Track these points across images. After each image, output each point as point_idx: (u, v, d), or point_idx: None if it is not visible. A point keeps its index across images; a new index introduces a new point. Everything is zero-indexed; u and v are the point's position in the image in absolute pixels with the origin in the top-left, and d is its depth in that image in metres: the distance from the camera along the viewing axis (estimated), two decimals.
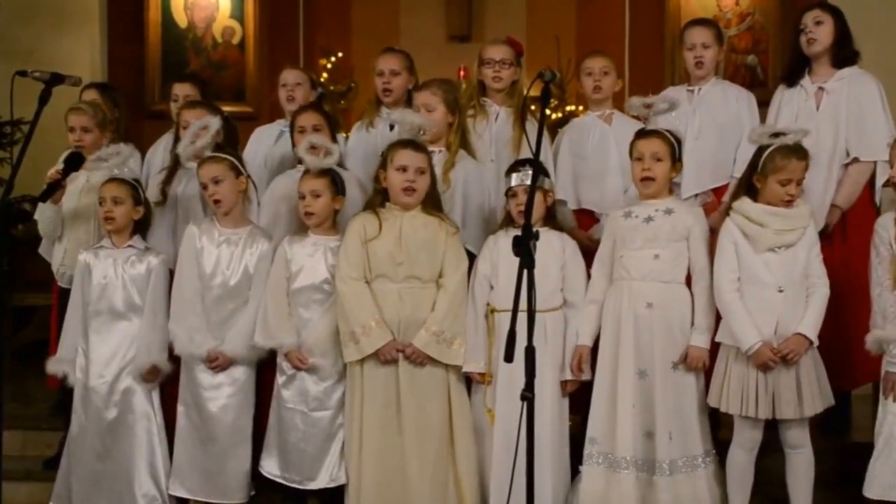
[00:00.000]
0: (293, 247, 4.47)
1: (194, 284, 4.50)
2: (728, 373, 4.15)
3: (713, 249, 4.30)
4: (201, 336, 4.45)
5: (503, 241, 4.31)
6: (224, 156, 4.56)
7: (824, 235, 4.53)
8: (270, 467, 4.47)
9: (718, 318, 4.25)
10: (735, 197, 4.24)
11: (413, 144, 4.41)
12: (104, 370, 4.52)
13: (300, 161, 4.59)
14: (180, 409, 4.53)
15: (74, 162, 4.58)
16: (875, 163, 4.68)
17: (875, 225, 4.14)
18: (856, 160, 4.70)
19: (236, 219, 4.57)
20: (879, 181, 4.67)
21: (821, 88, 4.78)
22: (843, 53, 4.77)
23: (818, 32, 4.73)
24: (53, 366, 4.60)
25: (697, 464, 4.23)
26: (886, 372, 4.00)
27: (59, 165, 4.73)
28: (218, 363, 4.45)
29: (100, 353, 4.53)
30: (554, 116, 7.86)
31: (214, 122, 4.65)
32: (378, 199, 4.45)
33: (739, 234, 4.14)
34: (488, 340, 4.34)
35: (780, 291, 4.09)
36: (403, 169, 4.36)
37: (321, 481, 4.40)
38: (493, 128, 4.93)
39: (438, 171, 4.57)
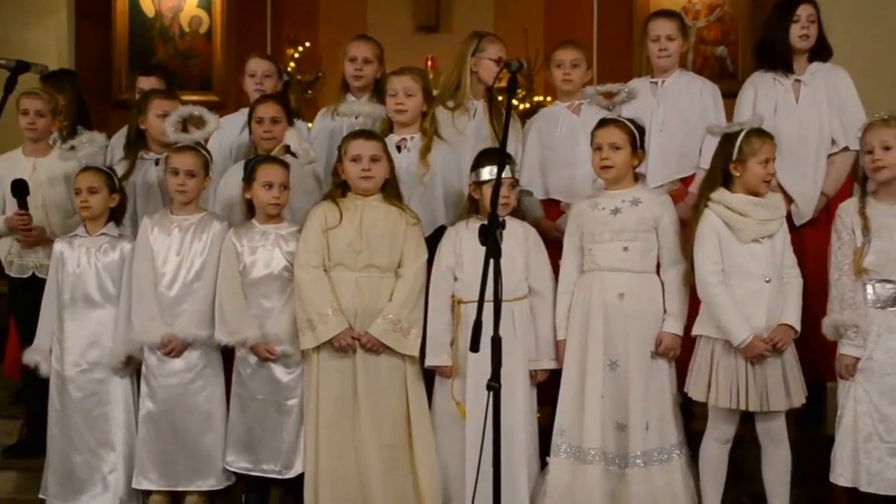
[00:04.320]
0: (241, 238, 4.47)
1: (147, 273, 4.49)
2: (715, 366, 4.13)
3: (682, 237, 4.32)
4: (155, 323, 4.43)
5: (465, 232, 4.31)
6: (203, 151, 4.58)
7: (811, 223, 4.60)
8: (235, 460, 4.45)
9: (692, 308, 4.25)
10: (710, 188, 4.23)
11: (364, 133, 4.46)
12: (79, 359, 4.51)
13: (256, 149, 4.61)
14: (141, 400, 4.51)
15: (21, 189, 4.67)
16: (858, 152, 4.63)
17: (837, 210, 4.16)
18: (846, 149, 4.74)
19: (190, 207, 4.58)
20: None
21: (798, 80, 4.81)
22: (823, 49, 4.83)
23: (812, 29, 4.77)
24: (29, 356, 4.59)
25: (672, 455, 4.24)
26: (841, 354, 4.03)
27: (12, 201, 4.79)
28: (172, 347, 4.43)
29: (75, 341, 4.52)
30: (522, 107, 7.85)
31: (213, 121, 4.67)
32: (338, 191, 4.45)
33: (722, 226, 4.14)
34: (454, 332, 4.33)
35: (768, 282, 4.10)
36: (357, 158, 4.37)
37: (299, 467, 4.39)
38: (473, 123, 4.96)
39: (415, 155, 4.59)
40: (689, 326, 4.26)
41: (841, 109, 4.76)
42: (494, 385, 3.27)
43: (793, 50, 4.79)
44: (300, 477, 4.39)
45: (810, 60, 4.83)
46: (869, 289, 4.03)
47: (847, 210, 4.12)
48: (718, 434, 4.19)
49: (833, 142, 4.75)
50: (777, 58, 4.83)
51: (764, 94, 4.83)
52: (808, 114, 4.71)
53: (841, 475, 4.02)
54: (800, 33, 4.76)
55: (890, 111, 4.14)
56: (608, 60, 7.86)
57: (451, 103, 4.98)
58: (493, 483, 3.34)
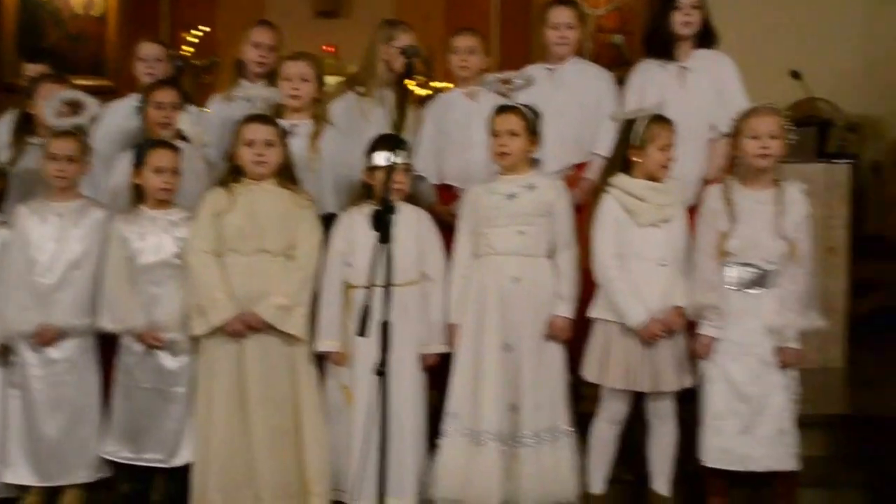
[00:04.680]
0: (129, 225, 4.39)
1: (19, 262, 4.38)
2: (610, 348, 4.20)
3: (577, 222, 4.38)
4: (28, 312, 4.33)
5: (359, 218, 4.30)
6: (83, 137, 4.49)
7: (692, 210, 4.60)
8: (117, 450, 4.38)
9: (587, 292, 4.30)
10: (610, 174, 4.29)
11: (260, 118, 4.41)
12: None
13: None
14: (11, 392, 4.40)
15: None
16: None
17: (704, 194, 4.25)
18: (723, 135, 4.76)
19: (69, 194, 4.48)
20: None
21: (683, 67, 4.88)
22: (708, 36, 4.90)
23: (695, 16, 4.83)
24: None
25: (560, 435, 4.29)
26: (700, 335, 4.12)
27: None
28: (46, 336, 4.33)
29: None
30: (423, 94, 7.84)
31: (91, 105, 4.56)
32: (231, 176, 4.40)
33: (620, 210, 4.20)
34: (346, 318, 4.31)
35: (663, 265, 4.17)
36: (251, 143, 4.33)
37: (184, 456, 4.34)
38: (381, 111, 4.95)
39: (304, 141, 4.58)
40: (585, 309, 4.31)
41: (724, 96, 4.82)
42: (382, 370, 3.27)
43: (676, 37, 4.85)
44: (185, 466, 4.33)
45: (696, 47, 4.89)
46: (731, 272, 4.13)
47: (713, 195, 4.20)
48: (610, 415, 4.26)
49: (716, 127, 4.82)
50: (661, 45, 4.90)
51: (650, 81, 4.89)
52: (691, 100, 4.76)
53: (704, 454, 4.14)
54: (682, 20, 4.82)
55: (775, 100, 4.25)
56: (509, 46, 7.91)
57: (361, 89, 4.97)
58: (379, 467, 3.35)
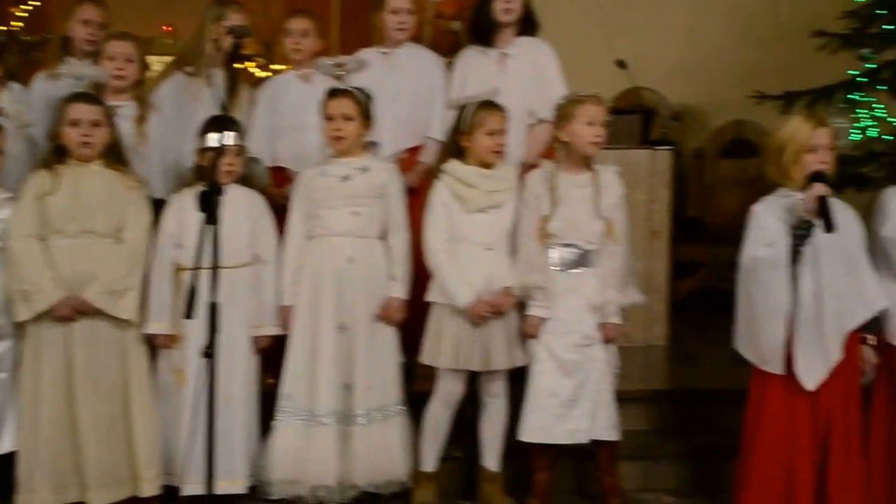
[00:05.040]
0: None
1: None
2: (441, 329, 4.26)
3: (411, 206, 4.45)
4: None
5: (190, 199, 4.25)
6: None
7: None
8: None
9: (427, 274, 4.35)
10: (443, 160, 4.36)
11: (85, 97, 4.29)
12: None
13: None
14: None
15: None
16: None
17: (526, 178, 4.33)
18: (542, 121, 4.91)
19: None
20: None
21: (504, 54, 4.97)
22: (529, 24, 5.01)
23: (515, 3, 4.92)
24: None
25: (391, 414, 4.35)
26: (528, 315, 4.22)
27: None
28: None
29: None
30: (262, 76, 7.78)
31: None
32: (55, 156, 4.28)
33: (450, 196, 4.26)
34: (177, 300, 4.25)
35: (489, 250, 4.24)
36: (76, 122, 4.22)
37: (7, 444, 4.21)
38: (211, 91, 4.87)
39: (127, 124, 4.49)
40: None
41: (542, 82, 4.92)
42: (209, 352, 3.26)
43: (498, 24, 4.94)
44: (8, 454, 4.21)
45: (518, 35, 5.00)
46: (554, 252, 4.23)
47: (535, 179, 4.30)
48: (446, 394, 4.32)
49: (535, 113, 4.92)
50: (483, 32, 4.99)
51: (472, 67, 4.98)
52: (511, 86, 4.80)
53: (526, 430, 4.23)
54: (503, 7, 4.91)
55: (603, 89, 4.36)
56: (351, 29, 7.90)
57: (190, 69, 4.89)
58: (207, 450, 3.34)
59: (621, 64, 6.78)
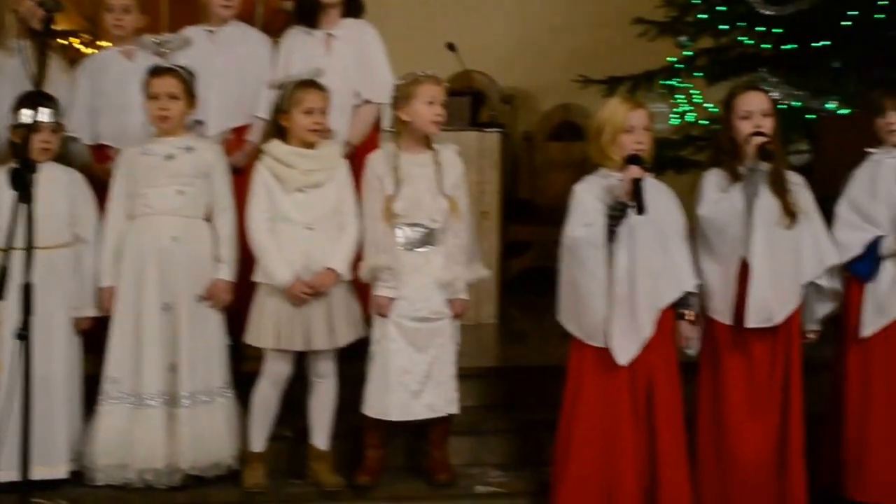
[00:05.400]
0: None
1: None
2: (263, 310, 4.23)
3: (234, 185, 4.40)
4: None
5: (3, 178, 4.11)
6: None
7: None
8: None
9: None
10: (264, 140, 4.33)
11: None
12: None
13: None
14: None
15: None
16: (381, 105, 4.93)
17: (367, 160, 4.34)
18: (367, 102, 4.95)
19: None
20: (386, 123, 4.88)
21: (329, 35, 4.96)
22: (354, 5, 5.03)
23: None
24: None
25: (218, 396, 4.32)
26: (377, 296, 4.24)
27: None
28: None
29: None
30: (89, 52, 7.56)
31: None
32: None
33: (270, 176, 4.23)
34: None
35: (309, 229, 4.22)
36: None
37: None
38: (15, 62, 4.65)
39: None
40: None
41: (367, 64, 4.96)
42: (24, 333, 3.18)
43: (323, 5, 4.93)
44: None
45: (343, 16, 5.00)
46: (400, 232, 4.25)
47: (376, 160, 4.31)
48: (273, 374, 4.29)
49: (360, 94, 4.95)
50: (308, 12, 4.97)
51: (297, 48, 4.96)
52: (336, 67, 4.80)
53: (372, 407, 4.26)
54: None
55: (434, 72, 4.37)
56: (180, 7, 7.74)
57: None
58: (22, 435, 3.26)
59: (451, 47, 6.81)
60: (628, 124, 3.99)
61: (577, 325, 4.05)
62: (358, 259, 4.28)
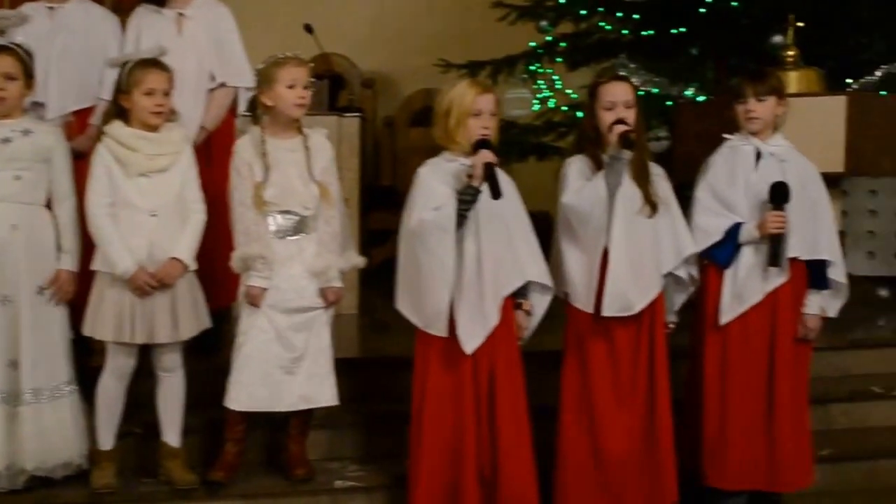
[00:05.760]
0: None
1: None
2: (102, 300, 4.08)
3: (78, 171, 4.24)
4: None
5: None
6: None
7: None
8: None
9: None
10: (106, 121, 4.16)
11: None
12: None
13: None
14: None
15: None
16: (237, 88, 4.88)
17: (235, 147, 4.24)
18: (222, 85, 4.85)
19: None
20: (242, 107, 4.83)
21: (181, 14, 4.84)
22: None
23: None
24: None
25: (62, 392, 4.16)
26: (248, 286, 4.13)
27: None
28: None
29: None
30: None
31: None
32: None
33: (112, 160, 4.08)
34: None
35: (154, 216, 4.09)
36: None
37: None
38: None
39: None
40: None
41: (221, 46, 4.86)
42: None
43: None
44: None
45: None
46: (271, 220, 4.16)
47: (245, 147, 4.20)
48: (116, 368, 4.15)
49: (214, 77, 4.84)
50: None
51: (147, 27, 4.82)
52: (189, 47, 4.74)
53: (235, 400, 4.15)
54: None
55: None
56: None
57: None
58: None
59: (308, 28, 6.72)
60: (476, 108, 3.94)
61: (418, 313, 4.00)
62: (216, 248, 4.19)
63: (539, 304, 4.09)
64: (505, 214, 3.97)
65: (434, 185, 3.94)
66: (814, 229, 4.20)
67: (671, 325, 4.24)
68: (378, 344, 5.63)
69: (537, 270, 4.04)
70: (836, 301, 4.31)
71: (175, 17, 4.83)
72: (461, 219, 3.87)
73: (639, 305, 4.04)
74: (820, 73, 5.73)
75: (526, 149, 6.91)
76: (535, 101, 6.85)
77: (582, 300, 4.08)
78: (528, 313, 4.08)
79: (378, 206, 7.02)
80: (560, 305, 4.18)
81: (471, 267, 3.90)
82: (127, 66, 4.12)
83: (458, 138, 3.96)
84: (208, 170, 4.68)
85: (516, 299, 4.04)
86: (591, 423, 4.09)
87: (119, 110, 4.13)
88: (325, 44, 6.83)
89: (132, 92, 4.07)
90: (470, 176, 3.87)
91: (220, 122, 4.85)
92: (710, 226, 4.20)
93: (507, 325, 4.00)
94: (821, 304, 4.26)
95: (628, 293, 4.02)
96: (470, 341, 3.93)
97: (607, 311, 4.02)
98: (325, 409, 4.30)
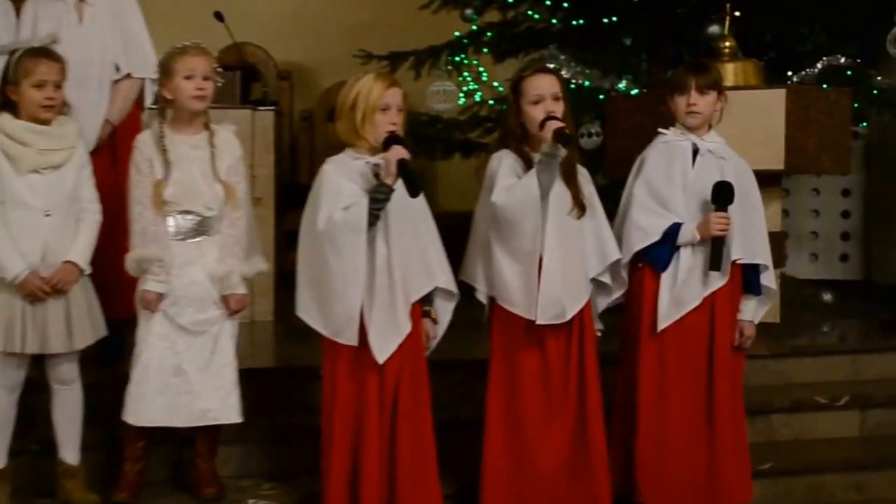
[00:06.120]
0: None
1: None
2: None
3: None
4: None
5: None
6: None
7: (95, 154, 4.41)
8: None
9: None
10: None
11: None
12: None
13: None
14: None
15: None
16: (143, 80, 4.74)
17: (135, 142, 4.06)
18: (128, 76, 4.71)
19: None
20: (148, 100, 4.72)
21: (82, 1, 4.67)
22: None
23: None
24: None
25: None
26: (144, 290, 3.95)
27: None
28: None
29: None
30: None
31: None
32: None
33: (1, 155, 3.88)
34: None
35: (48, 216, 3.89)
36: None
37: None
38: None
39: None
40: None
41: (126, 35, 4.73)
42: None
43: None
44: None
45: None
46: (171, 221, 3.98)
47: (145, 142, 4.03)
48: (6, 381, 3.94)
49: (118, 68, 4.70)
50: None
51: (44, 14, 4.64)
52: (91, 36, 4.61)
53: (134, 412, 3.96)
54: None
55: (209, 44, 4.16)
56: None
57: None
58: None
59: (218, 16, 6.57)
60: (384, 102, 3.78)
61: (325, 320, 3.83)
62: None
63: (444, 311, 3.98)
64: (413, 215, 3.84)
65: (342, 183, 3.77)
66: (752, 232, 4.12)
67: (598, 332, 4.14)
68: (294, 352, 5.43)
69: (445, 277, 3.94)
70: (763, 308, 4.26)
71: (75, 3, 4.65)
72: (373, 219, 3.72)
73: (571, 312, 3.93)
74: (758, 65, 5.67)
75: (451, 145, 6.79)
76: (460, 95, 6.71)
77: (522, 306, 3.94)
78: (435, 321, 3.98)
79: (295, 205, 6.77)
80: (481, 312, 4.09)
81: (382, 270, 3.75)
82: (15, 56, 3.92)
83: (364, 134, 3.80)
84: (113, 167, 4.56)
85: (423, 306, 3.92)
86: (519, 436, 3.98)
87: (7, 102, 3.93)
88: (238, 33, 6.68)
89: (21, 83, 3.88)
90: (377, 175, 3.72)
91: (125, 116, 4.70)
92: (649, 225, 4.08)
93: (416, 333, 3.87)
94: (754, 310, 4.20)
95: (562, 299, 3.91)
96: (382, 350, 3.76)
97: (541, 318, 3.90)
98: (233, 423, 4.12)
